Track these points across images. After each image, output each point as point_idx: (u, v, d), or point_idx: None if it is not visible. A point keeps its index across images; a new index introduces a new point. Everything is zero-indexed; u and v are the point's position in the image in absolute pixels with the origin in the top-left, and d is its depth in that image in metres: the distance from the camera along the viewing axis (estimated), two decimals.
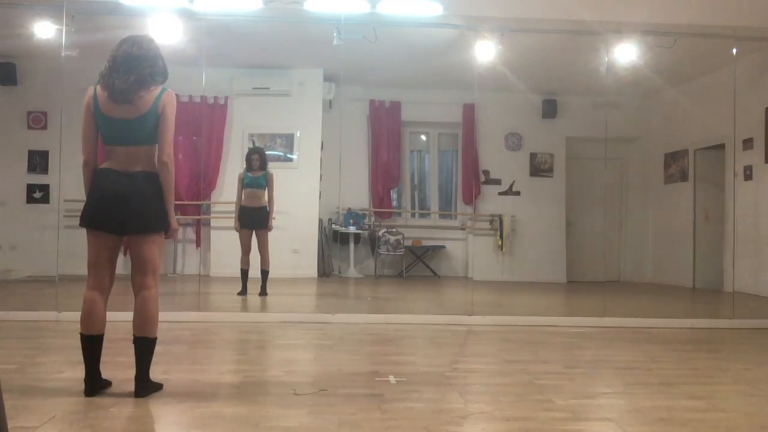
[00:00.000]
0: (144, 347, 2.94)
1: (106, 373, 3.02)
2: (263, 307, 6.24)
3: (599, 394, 3.24)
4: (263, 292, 6.69)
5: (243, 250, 6.76)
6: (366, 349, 4.44)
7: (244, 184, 6.76)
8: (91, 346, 2.92)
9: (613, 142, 8.52)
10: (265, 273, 6.74)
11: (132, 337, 2.96)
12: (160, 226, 2.99)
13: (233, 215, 6.85)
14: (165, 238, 3.06)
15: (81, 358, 2.93)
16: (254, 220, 6.70)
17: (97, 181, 2.92)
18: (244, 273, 6.76)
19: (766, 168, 7.80)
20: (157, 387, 3.00)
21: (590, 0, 6.17)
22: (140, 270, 2.98)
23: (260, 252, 6.69)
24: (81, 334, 2.93)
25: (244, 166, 6.95)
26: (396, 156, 9.93)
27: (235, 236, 6.80)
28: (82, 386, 2.90)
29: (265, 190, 6.79)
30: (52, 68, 6.58)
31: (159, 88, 2.97)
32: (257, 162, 6.75)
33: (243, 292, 6.69)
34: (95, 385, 2.92)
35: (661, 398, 3.13)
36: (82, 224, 2.93)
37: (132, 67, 2.90)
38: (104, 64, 2.96)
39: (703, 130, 8.91)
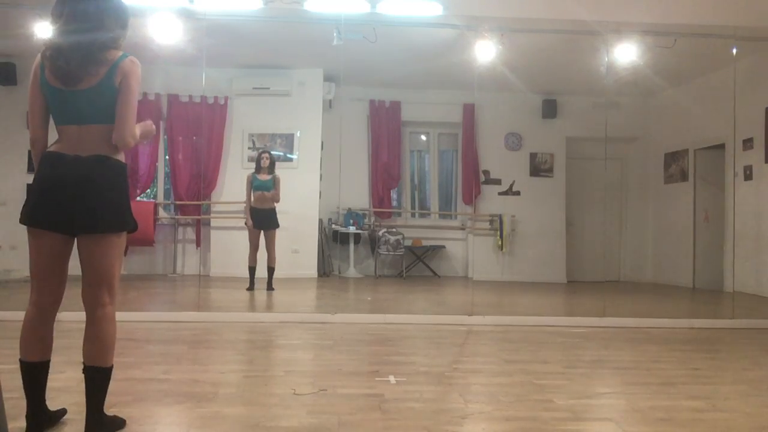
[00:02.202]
0: (97, 379, 2.37)
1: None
2: (263, 307, 6.25)
3: (599, 394, 3.24)
4: (270, 287, 7.04)
5: (251, 247, 7.11)
6: (366, 349, 4.44)
7: (253, 186, 7.09)
8: (34, 375, 2.37)
9: (613, 142, 8.52)
10: (271, 270, 7.14)
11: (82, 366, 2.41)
12: (119, 224, 2.38)
13: (234, 215, 6.96)
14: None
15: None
16: (263, 220, 7.07)
17: (42, 168, 2.36)
18: (252, 270, 7.13)
19: (766, 168, 7.80)
20: (118, 423, 2.48)
21: (590, 0, 6.17)
22: (92, 282, 2.38)
23: (267, 250, 7.07)
24: (20, 360, 2.38)
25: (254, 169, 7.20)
26: (396, 156, 9.93)
27: (234, 236, 6.97)
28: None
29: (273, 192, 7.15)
30: None
31: (117, 54, 2.38)
32: (266, 161, 7.04)
33: (251, 287, 7.04)
34: (40, 421, 2.38)
35: (661, 398, 3.13)
36: (21, 221, 2.38)
37: (77, 46, 2.31)
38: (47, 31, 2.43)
39: (703, 130, 8.91)
